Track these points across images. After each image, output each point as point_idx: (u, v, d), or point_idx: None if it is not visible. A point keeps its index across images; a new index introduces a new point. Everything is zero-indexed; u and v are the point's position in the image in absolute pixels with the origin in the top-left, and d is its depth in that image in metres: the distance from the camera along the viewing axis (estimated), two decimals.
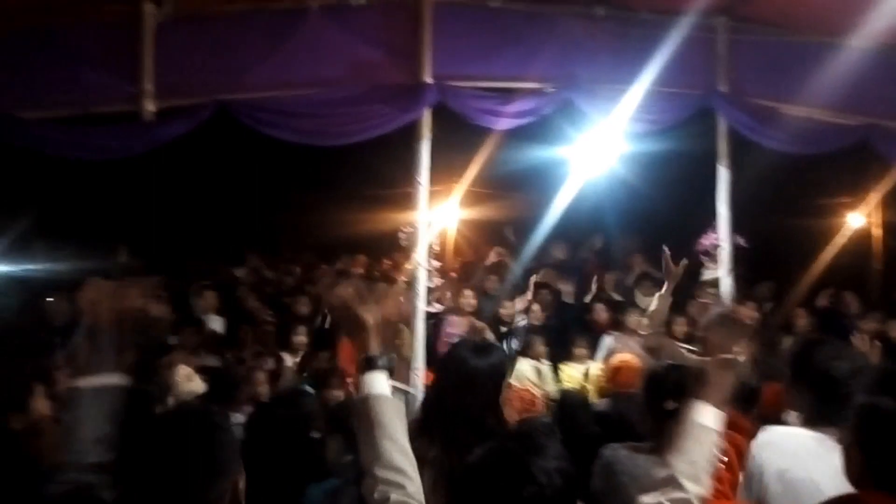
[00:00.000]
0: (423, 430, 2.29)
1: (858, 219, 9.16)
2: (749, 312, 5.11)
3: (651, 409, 2.49)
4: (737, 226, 5.55)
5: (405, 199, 5.32)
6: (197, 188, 8.60)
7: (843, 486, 1.57)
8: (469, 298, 5.95)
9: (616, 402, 4.23)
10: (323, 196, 9.35)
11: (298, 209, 9.42)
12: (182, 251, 8.36)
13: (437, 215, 7.81)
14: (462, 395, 2.28)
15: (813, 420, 2.15)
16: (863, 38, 5.32)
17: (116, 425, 1.71)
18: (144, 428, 1.41)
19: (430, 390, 2.51)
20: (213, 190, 8.88)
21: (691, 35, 5.12)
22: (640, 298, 6.29)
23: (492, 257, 7.98)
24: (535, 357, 5.82)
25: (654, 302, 3.70)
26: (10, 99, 4.30)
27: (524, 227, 8.47)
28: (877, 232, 9.47)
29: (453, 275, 7.81)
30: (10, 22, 4.29)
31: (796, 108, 5.41)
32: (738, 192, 5.58)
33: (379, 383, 1.74)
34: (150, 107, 4.49)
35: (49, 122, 4.36)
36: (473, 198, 8.59)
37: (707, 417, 1.90)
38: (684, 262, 3.74)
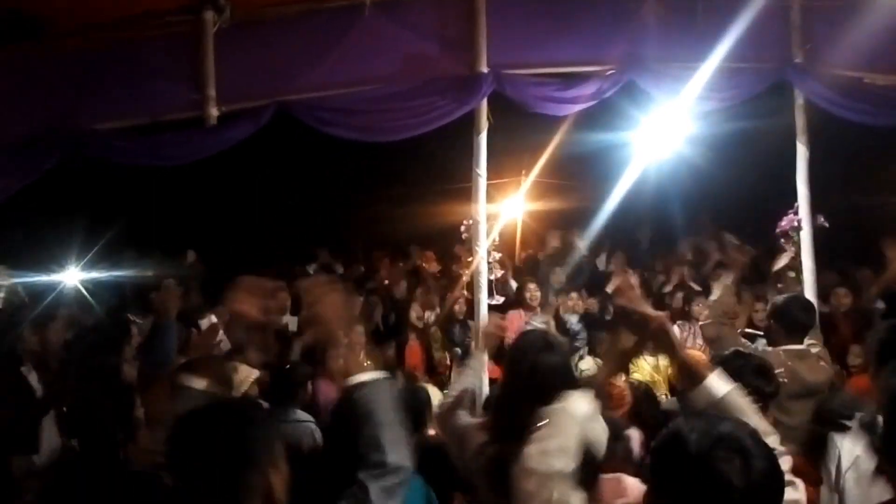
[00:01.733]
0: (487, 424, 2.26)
1: None
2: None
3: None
4: (817, 206, 5.21)
5: (469, 194, 5.26)
6: (263, 191, 8.85)
7: None
8: (534, 291, 5.85)
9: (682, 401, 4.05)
10: (389, 192, 9.44)
11: (365, 206, 9.55)
12: (253, 253, 8.63)
13: (503, 207, 7.77)
14: (529, 392, 2.21)
15: None
16: None
17: None
18: (184, 420, 1.45)
19: (498, 387, 2.46)
20: (280, 191, 9.13)
21: (762, 5, 4.84)
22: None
23: (553, 242, 7.82)
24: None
25: (716, 291, 3.55)
26: (83, 112, 4.50)
27: (591, 216, 8.30)
28: None
29: (519, 265, 7.73)
30: (80, 40, 4.48)
31: (879, 76, 5.05)
32: (818, 170, 5.24)
33: None
34: (213, 112, 4.60)
35: (120, 132, 4.54)
36: (539, 189, 8.46)
37: None
38: (748, 248, 3.57)
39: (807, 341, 3.43)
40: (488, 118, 4.97)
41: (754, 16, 4.81)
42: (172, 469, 1.43)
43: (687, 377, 1.78)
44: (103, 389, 3.63)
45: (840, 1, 5.03)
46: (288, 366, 4.04)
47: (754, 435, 1.21)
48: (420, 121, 4.88)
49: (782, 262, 5.29)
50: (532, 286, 5.92)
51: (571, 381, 2.27)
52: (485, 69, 4.88)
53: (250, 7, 4.69)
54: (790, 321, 3.41)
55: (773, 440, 1.59)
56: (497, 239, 5.15)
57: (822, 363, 3.40)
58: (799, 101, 5.15)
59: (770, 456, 1.17)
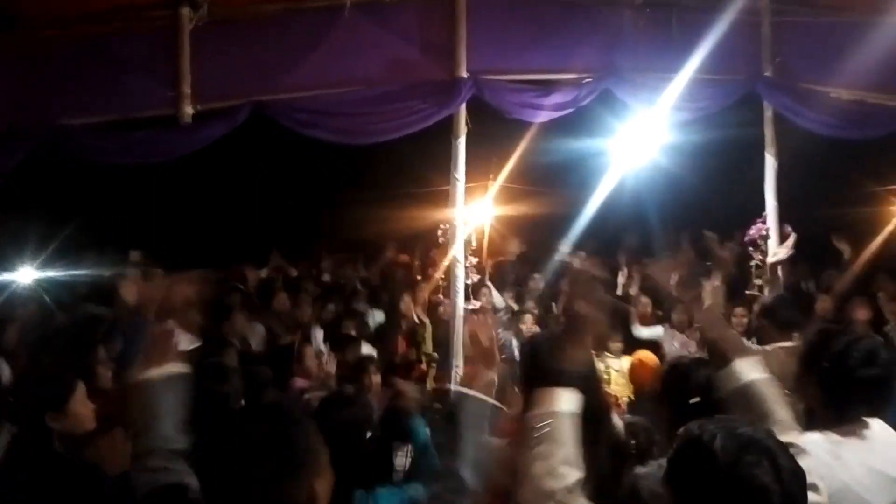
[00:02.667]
0: None
1: None
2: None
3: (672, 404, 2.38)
4: (785, 215, 5.37)
5: (443, 197, 5.27)
6: (230, 189, 8.70)
7: None
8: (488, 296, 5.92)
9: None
10: (358, 195, 9.38)
11: (336, 208, 9.46)
12: (211, 253, 8.50)
13: (472, 212, 7.79)
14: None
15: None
16: None
17: (189, 412, 1.78)
18: (224, 422, 1.37)
19: None
20: (246, 190, 8.99)
21: (735, 20, 4.97)
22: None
23: (513, 248, 7.87)
24: None
25: (708, 296, 3.60)
26: (55, 107, 4.37)
27: (563, 223, 8.39)
28: None
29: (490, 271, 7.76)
30: (54, 32, 4.35)
31: (845, 90, 5.22)
32: (785, 181, 5.40)
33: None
34: (188, 110, 4.51)
35: (91, 127, 4.42)
36: (510, 194, 8.51)
37: None
38: (732, 245, 3.63)
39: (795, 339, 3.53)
40: (467, 123, 4.99)
41: (727, 30, 4.94)
42: (205, 474, 1.36)
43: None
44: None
45: (809, 17, 5.20)
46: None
47: (771, 434, 1.22)
48: (399, 124, 4.87)
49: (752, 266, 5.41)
50: (485, 289, 5.97)
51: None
52: (465, 74, 4.90)
53: (228, 5, 4.62)
54: (781, 319, 3.51)
55: (794, 435, 1.60)
56: (473, 244, 5.15)
57: None
58: (768, 113, 5.30)
59: (791, 455, 1.19)
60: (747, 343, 3.51)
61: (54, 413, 2.38)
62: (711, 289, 3.60)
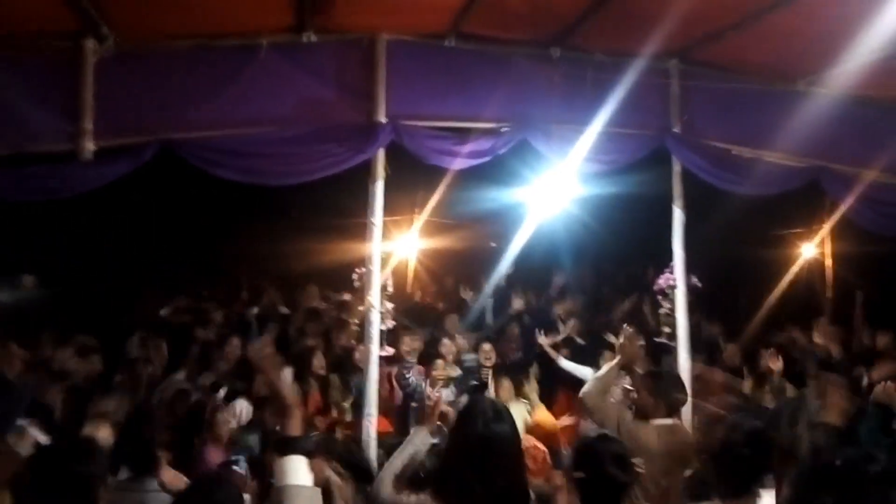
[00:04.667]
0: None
1: (810, 249, 9.38)
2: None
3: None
4: (691, 257, 5.54)
5: (362, 230, 5.18)
6: (135, 213, 8.39)
7: None
8: (411, 343, 5.88)
9: None
10: (275, 227, 9.21)
11: (251, 240, 9.26)
12: (116, 284, 8.17)
13: (396, 246, 7.76)
14: (482, 462, 2.17)
15: None
16: (812, 84, 5.46)
17: None
18: None
19: (444, 456, 2.39)
20: (155, 218, 8.70)
21: (645, 77, 5.18)
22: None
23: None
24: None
25: (604, 368, 3.72)
26: None
27: (484, 258, 8.47)
28: (828, 262, 9.66)
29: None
30: None
31: (748, 150, 5.49)
32: (692, 223, 5.57)
33: (296, 471, 1.71)
34: (89, 146, 4.30)
35: None
36: (433, 228, 8.53)
37: None
38: (642, 342, 3.83)
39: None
40: (385, 168, 4.96)
41: (638, 86, 5.14)
42: None
43: None
44: None
45: (714, 80, 5.44)
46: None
47: None
48: (314, 167, 4.79)
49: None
50: (408, 338, 5.93)
51: (519, 452, 2.26)
52: (383, 119, 4.87)
53: (137, 38, 4.45)
54: (667, 397, 3.63)
55: None
56: (390, 288, 5.09)
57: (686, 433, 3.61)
58: (676, 167, 5.50)
59: None
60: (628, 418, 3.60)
61: None
62: (609, 366, 3.75)
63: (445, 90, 5.10)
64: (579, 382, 6.12)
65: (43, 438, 3.68)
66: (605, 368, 3.74)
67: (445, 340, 6.41)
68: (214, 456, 4.38)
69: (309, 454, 1.77)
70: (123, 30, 4.36)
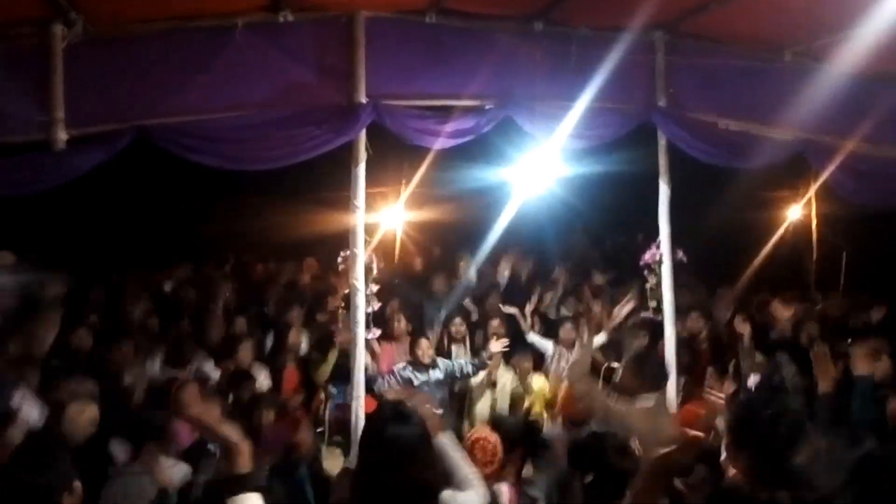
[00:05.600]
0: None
1: (796, 211, 9.41)
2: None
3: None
4: (677, 224, 5.53)
5: (349, 203, 5.09)
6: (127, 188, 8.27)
7: None
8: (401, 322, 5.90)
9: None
10: (260, 200, 9.12)
11: (233, 215, 9.18)
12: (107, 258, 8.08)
13: (382, 218, 7.72)
14: (389, 468, 2.19)
15: None
16: (798, 55, 5.39)
17: None
18: None
19: (357, 467, 2.40)
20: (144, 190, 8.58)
21: (630, 51, 5.09)
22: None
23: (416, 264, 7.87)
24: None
25: (575, 351, 3.74)
26: None
27: (470, 229, 8.44)
28: (813, 224, 9.70)
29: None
30: None
31: (734, 123, 5.43)
32: (678, 189, 5.53)
33: None
34: (62, 135, 4.19)
35: None
36: (420, 199, 8.47)
37: None
38: (613, 321, 3.84)
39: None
40: (367, 149, 4.88)
41: (623, 60, 5.05)
42: None
43: None
44: None
45: (700, 51, 5.36)
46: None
47: None
48: (294, 150, 4.70)
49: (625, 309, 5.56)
50: (400, 316, 5.92)
51: (427, 453, 2.27)
52: (364, 99, 4.77)
53: (107, 23, 4.31)
54: (647, 377, 3.66)
55: None
56: (376, 270, 5.07)
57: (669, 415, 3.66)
58: (662, 142, 5.45)
59: None
60: (610, 402, 3.64)
61: None
62: (581, 346, 3.76)
63: (427, 68, 4.99)
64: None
65: (35, 416, 3.68)
66: (577, 351, 3.77)
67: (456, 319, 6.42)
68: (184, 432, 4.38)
69: (261, 489, 1.74)
70: (93, 14, 4.21)
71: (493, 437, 3.51)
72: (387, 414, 2.29)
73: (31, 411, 3.79)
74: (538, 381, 5.97)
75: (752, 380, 4.69)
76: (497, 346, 5.70)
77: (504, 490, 3.36)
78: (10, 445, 3.17)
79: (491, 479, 3.26)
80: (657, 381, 3.69)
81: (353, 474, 2.51)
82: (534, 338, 6.37)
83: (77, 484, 2.40)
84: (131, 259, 8.96)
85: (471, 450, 3.41)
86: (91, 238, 8.75)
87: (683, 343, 5.77)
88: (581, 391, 3.64)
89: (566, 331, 6.11)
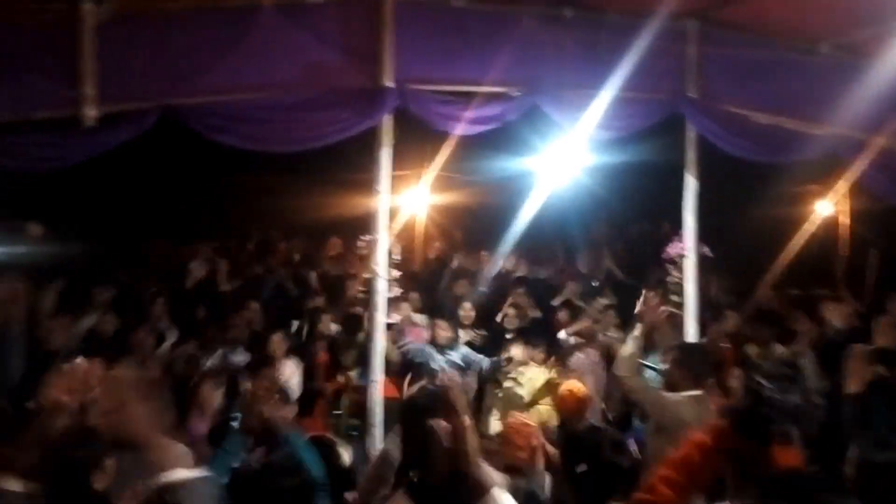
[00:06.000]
0: None
1: (827, 207, 9.21)
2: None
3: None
4: (703, 218, 5.47)
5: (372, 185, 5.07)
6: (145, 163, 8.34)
7: None
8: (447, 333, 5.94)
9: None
10: (284, 180, 9.16)
11: (257, 193, 9.24)
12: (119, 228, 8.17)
13: (404, 201, 7.71)
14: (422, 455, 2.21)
15: None
16: (834, 47, 5.24)
17: None
18: None
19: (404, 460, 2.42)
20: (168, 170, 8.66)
21: (661, 38, 4.97)
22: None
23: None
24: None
25: (629, 344, 3.73)
26: None
27: (494, 217, 8.40)
28: (844, 220, 9.50)
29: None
30: None
31: (763, 115, 5.31)
32: (705, 182, 5.45)
33: None
34: (91, 112, 4.22)
35: None
36: (443, 183, 8.44)
37: None
38: (664, 310, 3.83)
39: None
40: (393, 134, 4.86)
41: (653, 49, 4.94)
42: None
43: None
44: None
45: (733, 41, 5.24)
46: None
47: None
48: (319, 133, 4.70)
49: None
50: (443, 324, 6.00)
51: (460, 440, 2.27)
52: (390, 83, 4.75)
53: (136, 1, 4.32)
54: (693, 371, 3.66)
55: None
56: (396, 256, 5.07)
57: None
58: (690, 134, 5.35)
59: None
60: (661, 392, 3.63)
61: None
62: (633, 339, 3.76)
63: (454, 53, 4.95)
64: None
65: None
66: (629, 344, 3.76)
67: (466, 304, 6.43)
68: (200, 427, 4.44)
69: None
70: None
71: (531, 424, 3.53)
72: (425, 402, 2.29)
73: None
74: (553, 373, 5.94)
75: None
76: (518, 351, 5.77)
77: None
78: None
79: (529, 465, 3.25)
80: (702, 375, 3.68)
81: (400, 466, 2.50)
82: (564, 334, 6.32)
83: (109, 462, 2.49)
84: (156, 232, 9.09)
85: (508, 436, 3.45)
86: (117, 211, 8.87)
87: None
88: (631, 386, 3.65)
89: (562, 315, 6.10)
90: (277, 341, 5.60)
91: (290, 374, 5.39)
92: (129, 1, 4.29)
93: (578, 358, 5.99)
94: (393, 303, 5.09)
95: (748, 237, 8.56)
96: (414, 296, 6.22)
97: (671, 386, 3.69)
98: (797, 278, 8.34)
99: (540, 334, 6.13)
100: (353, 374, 5.46)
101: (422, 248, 9.51)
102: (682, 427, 3.10)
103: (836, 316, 5.52)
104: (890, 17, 4.55)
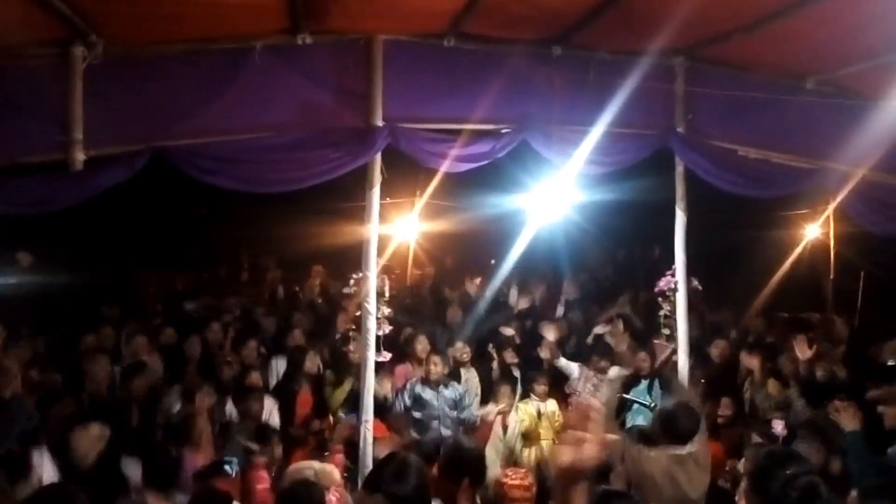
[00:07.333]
0: None
1: (814, 230, 9.30)
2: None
3: None
4: (696, 240, 5.49)
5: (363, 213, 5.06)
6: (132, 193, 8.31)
7: None
8: (424, 344, 5.88)
9: None
10: (276, 209, 9.14)
11: (249, 222, 9.22)
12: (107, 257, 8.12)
13: (396, 229, 7.71)
14: None
15: None
16: (819, 83, 5.31)
17: None
18: None
19: None
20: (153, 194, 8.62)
21: (649, 76, 5.03)
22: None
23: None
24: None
25: (605, 392, 3.71)
26: None
27: (485, 250, 8.42)
28: (830, 243, 9.58)
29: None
30: None
31: (753, 150, 5.37)
32: (696, 208, 5.47)
33: None
34: (79, 156, 4.20)
35: None
36: (434, 210, 8.45)
37: None
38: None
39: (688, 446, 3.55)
40: (382, 173, 4.87)
41: (642, 86, 4.99)
42: None
43: None
44: None
45: (720, 77, 5.30)
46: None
47: None
48: (310, 173, 4.70)
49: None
50: (422, 337, 5.91)
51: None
52: (380, 122, 4.76)
53: (126, 44, 4.32)
54: (679, 432, 3.53)
55: None
56: (388, 293, 5.05)
57: (699, 467, 3.53)
58: (679, 168, 5.39)
59: None
60: (639, 446, 3.57)
61: None
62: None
63: (444, 91, 4.98)
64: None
65: (50, 472, 3.68)
66: (605, 390, 3.73)
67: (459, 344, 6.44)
68: (195, 461, 4.40)
69: None
70: (112, 36, 4.21)
71: (523, 474, 3.51)
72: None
73: (47, 471, 3.81)
74: (552, 405, 5.92)
75: (778, 427, 4.63)
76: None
77: None
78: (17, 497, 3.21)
79: None
80: (687, 437, 3.55)
81: None
82: (562, 362, 6.30)
83: None
84: (147, 260, 9.05)
85: (507, 494, 3.46)
86: (109, 239, 8.83)
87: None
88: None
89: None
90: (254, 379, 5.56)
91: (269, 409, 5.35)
92: (119, 44, 4.29)
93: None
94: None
95: (735, 262, 8.63)
96: (422, 338, 6.19)
97: (653, 441, 3.57)
98: (787, 302, 8.41)
99: (535, 368, 6.14)
100: (341, 415, 5.41)
101: (412, 276, 9.51)
102: (648, 484, 3.09)
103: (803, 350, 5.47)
104: (872, 55, 4.62)
